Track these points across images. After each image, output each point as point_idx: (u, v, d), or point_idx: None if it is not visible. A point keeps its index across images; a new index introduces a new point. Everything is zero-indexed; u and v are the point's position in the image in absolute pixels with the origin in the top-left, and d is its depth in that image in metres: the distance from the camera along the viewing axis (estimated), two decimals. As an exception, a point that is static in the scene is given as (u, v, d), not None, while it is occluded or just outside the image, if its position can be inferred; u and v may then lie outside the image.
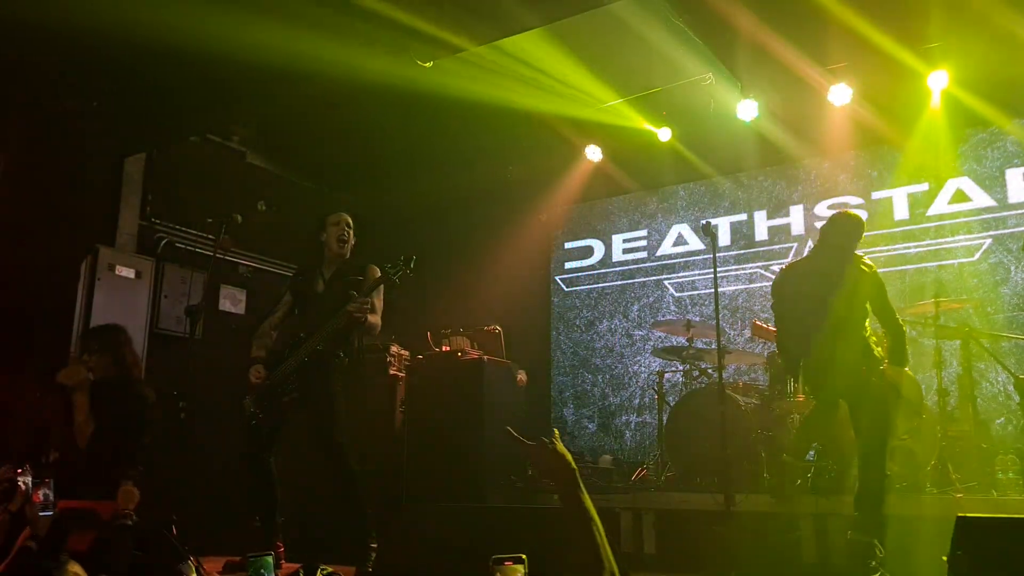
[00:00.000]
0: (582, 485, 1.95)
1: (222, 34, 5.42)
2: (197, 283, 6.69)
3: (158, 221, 6.71)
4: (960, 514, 2.03)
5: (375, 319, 4.49)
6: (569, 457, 1.99)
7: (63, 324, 5.79)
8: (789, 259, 7.12)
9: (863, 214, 6.88)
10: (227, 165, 7.41)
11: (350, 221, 4.73)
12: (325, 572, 1.93)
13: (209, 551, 4.18)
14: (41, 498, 3.32)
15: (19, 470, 3.36)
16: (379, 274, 4.49)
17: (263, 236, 7.32)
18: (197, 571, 2.53)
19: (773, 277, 7.30)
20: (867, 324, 4.47)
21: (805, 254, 4.84)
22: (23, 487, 3.23)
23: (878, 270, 4.57)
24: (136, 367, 4.48)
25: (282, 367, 4.43)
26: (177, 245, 6.79)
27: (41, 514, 3.29)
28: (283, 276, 7.61)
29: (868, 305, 4.46)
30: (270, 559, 2.43)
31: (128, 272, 6.20)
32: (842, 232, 4.61)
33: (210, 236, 6.05)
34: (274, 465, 4.47)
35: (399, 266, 4.31)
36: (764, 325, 5.70)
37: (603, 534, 1.89)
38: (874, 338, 4.52)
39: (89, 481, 3.81)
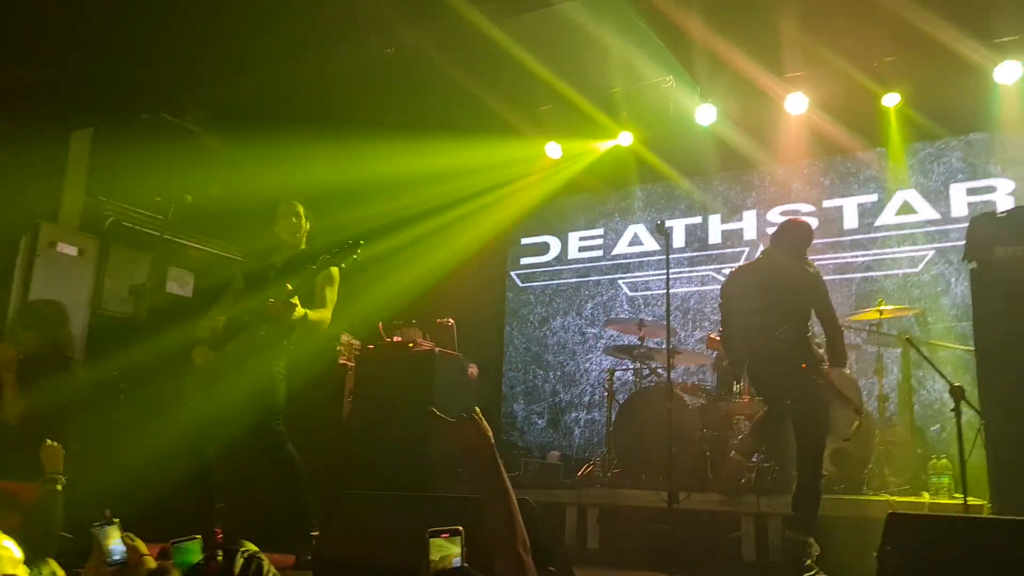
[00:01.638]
0: (499, 460, 1.94)
1: (183, 9, 5.33)
2: (144, 264, 6.52)
3: (104, 199, 6.52)
4: (891, 511, 2.07)
5: (320, 315, 4.37)
6: (491, 434, 1.98)
7: (-1, 302, 5.62)
8: (741, 262, 7.23)
9: (814, 222, 7.07)
10: (180, 145, 7.24)
11: (300, 211, 4.62)
12: (245, 553, 1.87)
13: (146, 536, 4.09)
14: None
15: None
16: (335, 270, 4.42)
17: (214, 218, 7.17)
18: (120, 543, 2.45)
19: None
20: (809, 326, 4.57)
21: (755, 257, 4.91)
22: None
23: (824, 277, 4.66)
24: (70, 347, 4.36)
25: (227, 350, 4.35)
26: (124, 224, 6.60)
27: None
28: (234, 260, 7.48)
29: (811, 307, 4.55)
30: (197, 544, 2.37)
31: (71, 250, 6.01)
32: (792, 238, 4.71)
33: (159, 216, 5.91)
34: (212, 450, 4.39)
35: (345, 251, 4.21)
36: (717, 338, 5.78)
37: (516, 507, 1.90)
38: (817, 340, 4.61)
39: (19, 460, 3.70)
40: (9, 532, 2.44)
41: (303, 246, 4.64)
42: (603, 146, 7.65)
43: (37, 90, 5.90)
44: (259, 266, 4.64)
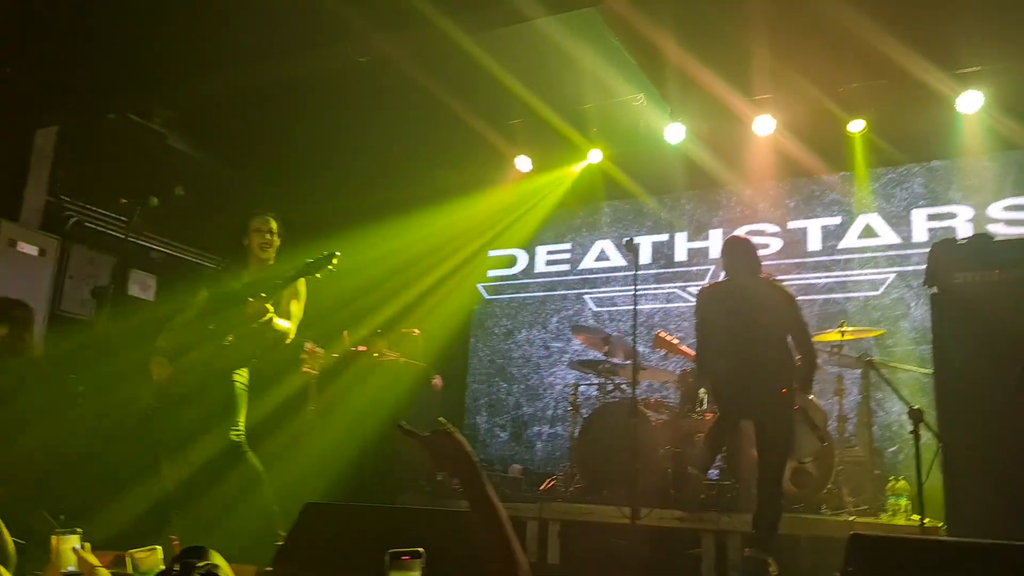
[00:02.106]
0: (485, 477, 1.84)
1: (151, 10, 5.26)
2: (105, 265, 6.42)
3: (67, 198, 6.41)
4: (853, 532, 2.10)
5: (286, 327, 4.34)
6: (467, 445, 1.89)
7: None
8: (706, 281, 7.30)
9: (778, 242, 7.20)
10: (145, 146, 7.14)
11: (274, 227, 4.55)
12: (203, 567, 1.82)
13: (98, 543, 4.01)
14: None
15: None
16: (301, 283, 4.38)
17: (179, 222, 7.08)
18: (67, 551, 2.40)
19: (690, 298, 7.50)
20: (787, 347, 4.61)
21: (722, 277, 4.96)
22: None
23: None
24: (31, 350, 4.27)
25: (187, 359, 4.27)
26: (86, 224, 6.50)
27: None
28: (197, 264, 7.39)
29: (788, 329, 4.60)
30: (156, 554, 2.33)
31: (31, 249, 5.91)
32: (746, 255, 4.77)
33: (123, 217, 5.80)
34: (165, 458, 4.31)
35: (320, 261, 4.19)
36: (667, 337, 5.81)
37: (507, 522, 1.79)
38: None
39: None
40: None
41: (271, 262, 4.58)
42: (576, 168, 7.71)
43: (1, 84, 5.77)
44: (226, 279, 4.57)
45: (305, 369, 6.23)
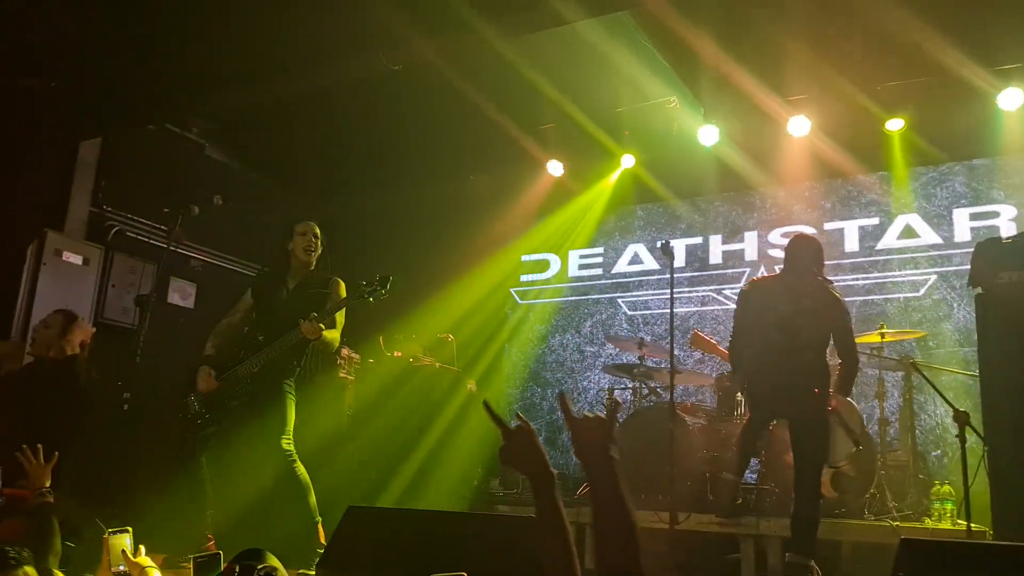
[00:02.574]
0: (556, 483, 1.72)
1: (190, 23, 5.35)
2: (147, 274, 6.54)
3: (110, 208, 6.54)
4: (904, 536, 2.07)
5: (333, 335, 4.43)
6: (544, 450, 1.76)
7: (4, 308, 5.61)
8: (742, 284, 7.24)
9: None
10: (185, 156, 7.27)
11: (318, 232, 4.68)
12: (263, 570, 1.85)
13: (144, 543, 4.08)
14: None
15: None
16: (343, 289, 4.49)
17: (218, 231, 7.19)
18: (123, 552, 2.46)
19: (725, 301, 7.45)
20: (827, 351, 4.56)
21: (776, 271, 4.90)
22: None
23: None
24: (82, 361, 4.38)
25: (236, 370, 4.36)
26: (128, 234, 6.62)
27: None
28: (236, 272, 7.50)
29: (831, 332, 4.55)
30: (218, 559, 2.38)
31: (75, 258, 6.03)
32: (806, 254, 4.70)
33: (163, 227, 5.92)
34: (206, 462, 4.39)
35: (374, 286, 4.28)
36: (704, 336, 5.77)
37: (571, 539, 1.67)
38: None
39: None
40: (12, 536, 2.43)
41: (313, 266, 4.66)
42: (612, 177, 7.72)
43: (46, 99, 5.91)
44: (270, 284, 4.66)
45: (342, 375, 6.28)
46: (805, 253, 4.70)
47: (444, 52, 5.29)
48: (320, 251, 4.68)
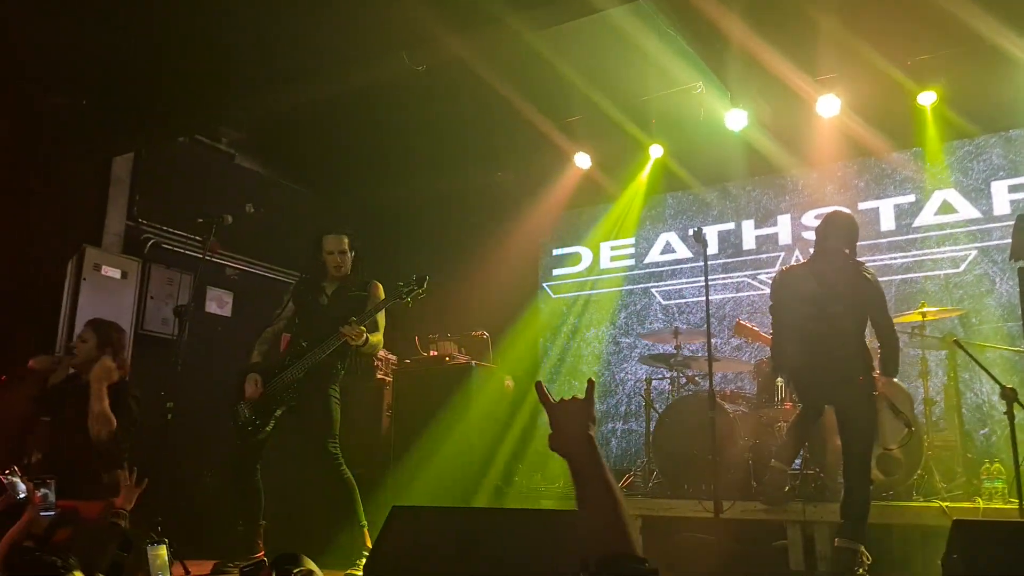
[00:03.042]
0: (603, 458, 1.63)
1: (212, 33, 5.41)
2: (184, 284, 6.63)
3: (145, 221, 6.65)
4: (956, 518, 2.03)
5: (376, 338, 4.50)
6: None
7: (48, 324, 5.74)
8: (776, 268, 7.15)
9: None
10: (215, 167, 7.37)
11: (345, 245, 4.70)
12: (300, 572, 1.88)
13: (191, 553, 4.14)
14: (41, 499, 3.30)
15: (6, 471, 3.33)
16: (382, 293, 4.56)
17: (251, 239, 7.27)
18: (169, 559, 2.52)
19: (760, 286, 7.37)
20: (866, 333, 4.48)
21: (808, 255, 4.80)
22: (9, 488, 3.21)
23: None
24: (127, 368, 4.46)
25: (282, 376, 4.41)
26: (163, 246, 6.73)
27: (42, 514, 3.27)
28: (271, 279, 7.58)
29: (868, 314, 4.46)
30: (263, 565, 2.43)
31: (114, 272, 6.14)
32: (836, 233, 4.60)
33: (197, 237, 6.00)
34: (259, 470, 4.47)
35: (411, 286, 4.31)
36: (748, 325, 5.70)
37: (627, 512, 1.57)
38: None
39: (76, 480, 3.76)
40: (58, 544, 2.49)
41: (349, 272, 4.72)
42: (643, 174, 7.70)
43: (77, 116, 6.02)
44: (309, 290, 4.71)
45: (379, 376, 6.33)
46: (835, 232, 4.59)
47: (472, 47, 5.28)
48: (351, 259, 4.72)
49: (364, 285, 4.65)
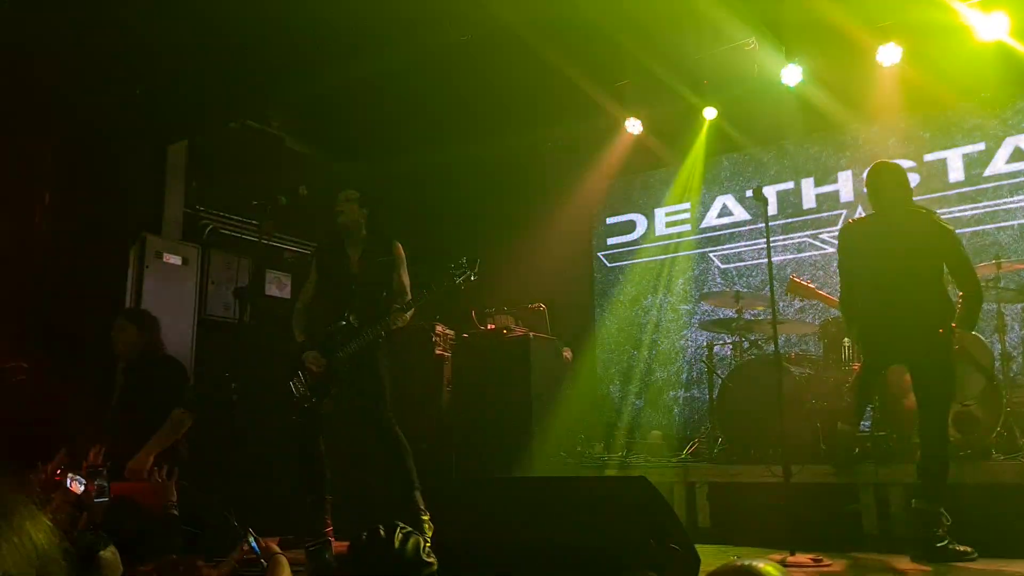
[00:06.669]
0: None
1: (258, 17, 5.43)
2: (243, 268, 6.73)
3: (202, 208, 6.76)
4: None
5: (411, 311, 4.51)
6: None
7: (114, 312, 5.87)
8: (838, 226, 6.93)
9: (915, 178, 6.71)
10: (267, 150, 7.43)
11: (349, 195, 4.69)
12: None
13: (258, 530, 4.22)
14: (96, 487, 3.38)
15: (58, 469, 3.42)
16: (402, 252, 4.56)
17: (306, 220, 7.34)
18: (255, 542, 2.56)
19: (823, 246, 7.16)
20: (944, 284, 4.27)
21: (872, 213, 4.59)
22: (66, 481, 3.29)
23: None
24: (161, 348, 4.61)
25: (340, 354, 4.42)
26: (222, 231, 6.83)
27: (96, 500, 3.35)
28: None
29: (944, 264, 4.27)
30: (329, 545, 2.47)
31: (175, 259, 6.25)
32: (888, 185, 4.39)
33: (254, 221, 6.08)
34: (323, 445, 4.50)
35: (463, 268, 4.25)
36: (800, 281, 5.52)
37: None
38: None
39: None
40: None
41: (364, 232, 4.70)
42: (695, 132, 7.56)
43: (133, 106, 6.11)
44: (332, 256, 4.71)
45: (438, 352, 6.33)
46: (886, 184, 4.38)
47: (518, 12, 5.19)
48: (365, 212, 4.68)
49: (387, 248, 4.61)
